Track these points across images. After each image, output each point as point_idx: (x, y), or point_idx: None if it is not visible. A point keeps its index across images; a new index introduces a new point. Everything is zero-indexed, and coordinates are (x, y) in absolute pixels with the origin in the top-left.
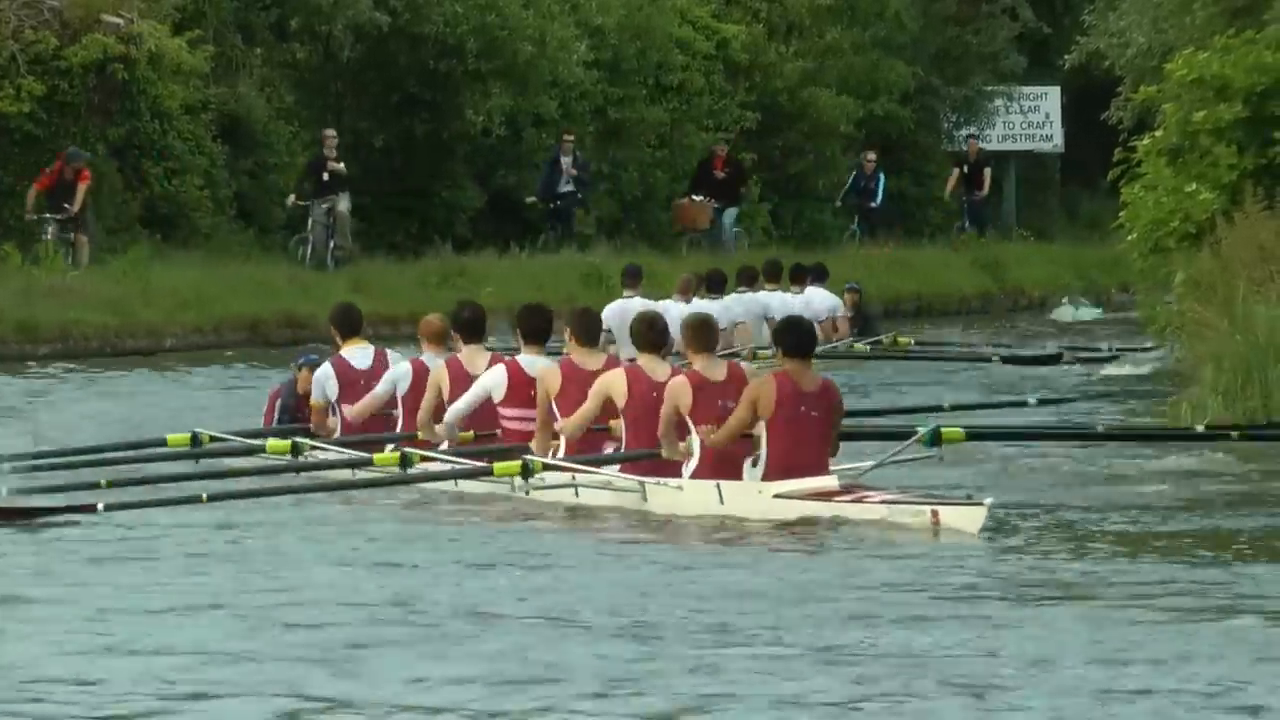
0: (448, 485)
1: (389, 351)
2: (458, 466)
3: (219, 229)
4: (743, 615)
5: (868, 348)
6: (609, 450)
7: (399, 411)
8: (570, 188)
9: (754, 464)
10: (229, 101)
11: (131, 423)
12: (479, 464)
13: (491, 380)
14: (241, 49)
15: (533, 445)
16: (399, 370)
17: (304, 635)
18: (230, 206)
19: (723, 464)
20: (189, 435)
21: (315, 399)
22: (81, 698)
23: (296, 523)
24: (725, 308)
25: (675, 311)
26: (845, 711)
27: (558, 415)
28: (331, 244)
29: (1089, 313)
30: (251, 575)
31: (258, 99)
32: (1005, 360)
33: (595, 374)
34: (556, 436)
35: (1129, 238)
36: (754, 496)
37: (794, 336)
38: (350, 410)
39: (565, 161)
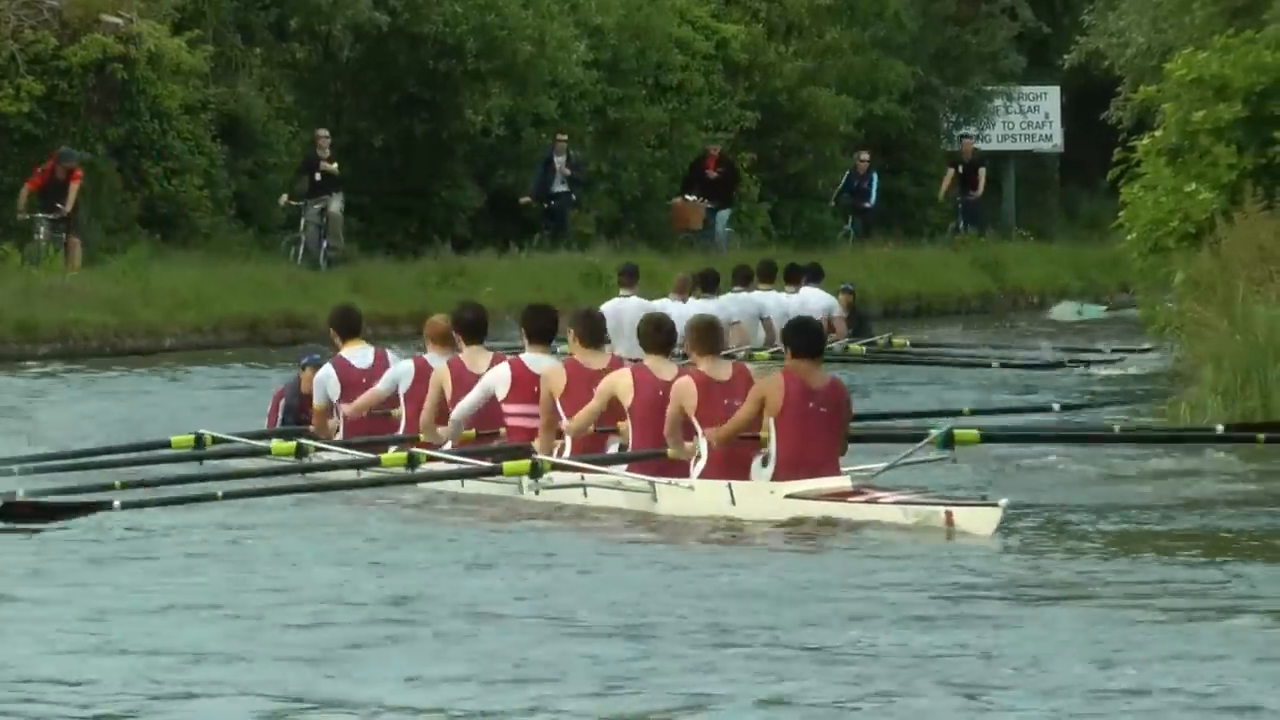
0: (454, 485)
1: (389, 352)
2: (466, 466)
3: (218, 229)
4: (743, 615)
5: (864, 349)
6: (612, 450)
7: (401, 410)
8: (564, 188)
9: (764, 463)
10: (228, 101)
11: (131, 423)
12: (488, 464)
13: (495, 378)
14: (241, 49)
15: (536, 445)
16: (401, 367)
17: (303, 635)
18: (230, 206)
19: (731, 464)
20: (193, 436)
21: (317, 401)
22: (71, 698)
23: (298, 524)
24: (720, 307)
25: (671, 310)
26: (845, 712)
27: (562, 415)
28: (324, 244)
29: (1093, 311)
30: (251, 575)
31: (257, 99)
32: (1004, 365)
33: (600, 373)
34: (560, 436)
35: (1128, 237)
36: (766, 497)
37: (803, 337)
38: (348, 406)
39: (559, 161)
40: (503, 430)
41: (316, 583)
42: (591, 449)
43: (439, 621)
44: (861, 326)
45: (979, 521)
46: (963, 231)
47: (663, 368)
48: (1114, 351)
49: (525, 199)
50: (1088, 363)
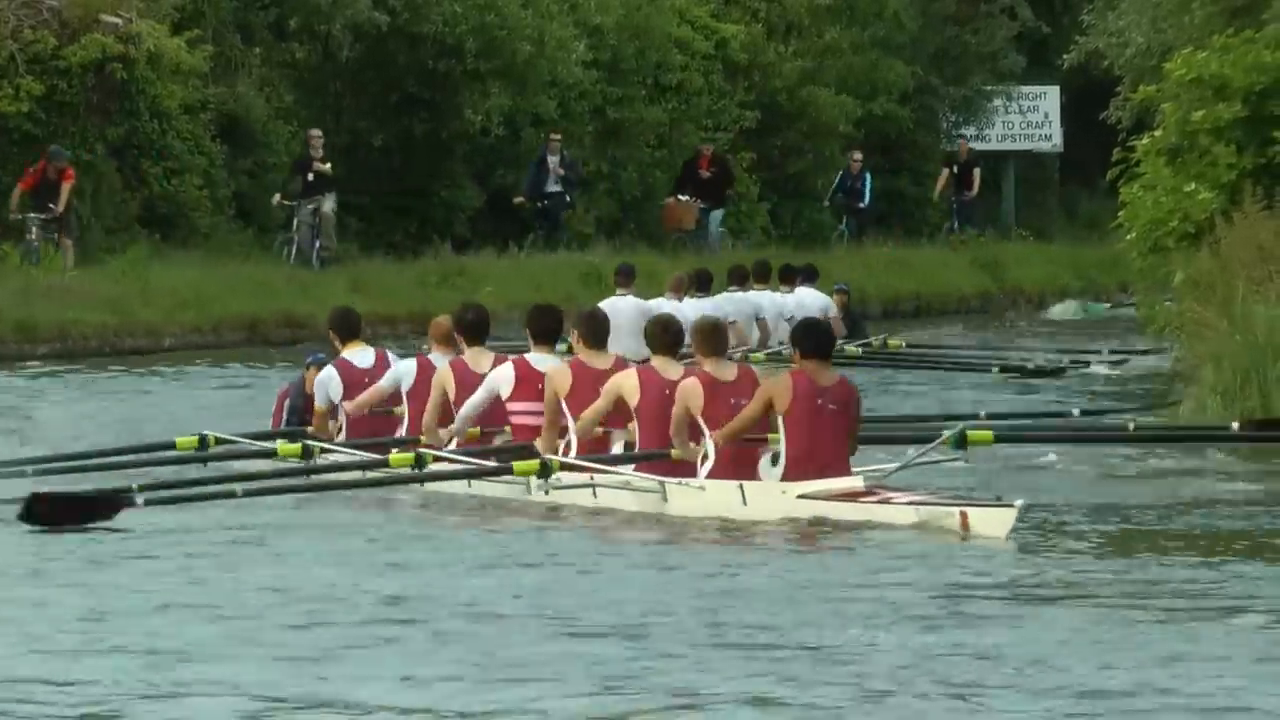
0: (462, 486)
1: (389, 353)
2: (475, 466)
3: (218, 229)
4: (743, 615)
5: (859, 350)
6: (617, 448)
7: (404, 409)
8: (557, 187)
9: (773, 462)
10: (228, 101)
11: (132, 423)
12: (497, 464)
13: (500, 377)
14: (240, 49)
15: (538, 444)
16: (404, 366)
17: (300, 635)
18: (229, 206)
19: (739, 464)
20: (197, 438)
21: (319, 403)
22: (62, 697)
23: (299, 524)
24: (716, 306)
25: (667, 309)
26: (845, 712)
27: (568, 415)
28: (317, 244)
29: (1096, 309)
30: (251, 576)
31: (256, 98)
32: (1004, 370)
33: (605, 373)
34: (563, 435)
35: (1128, 237)
36: (778, 497)
37: (812, 338)
38: (350, 404)
39: (552, 161)
40: (507, 428)
41: (316, 582)
42: (596, 449)
43: (438, 621)
44: (856, 327)
45: (994, 523)
46: (957, 232)
47: (669, 368)
48: (1112, 353)
49: (518, 199)
50: (1087, 363)
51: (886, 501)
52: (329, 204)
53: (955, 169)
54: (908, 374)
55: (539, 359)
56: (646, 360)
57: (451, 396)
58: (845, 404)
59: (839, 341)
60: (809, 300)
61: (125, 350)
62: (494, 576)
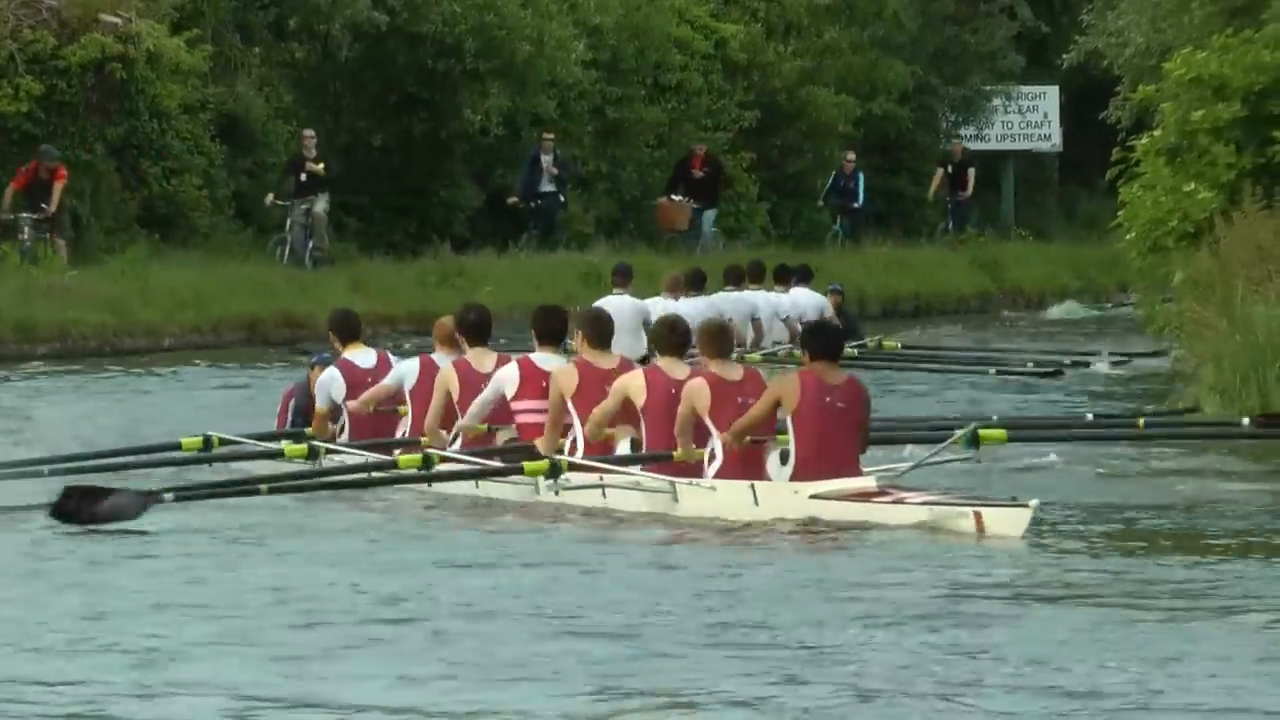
0: (469, 486)
1: (389, 354)
2: (483, 466)
3: (217, 228)
4: (745, 616)
5: (854, 351)
6: (623, 445)
7: (406, 408)
8: (551, 187)
9: (783, 460)
10: (227, 101)
11: (132, 424)
12: (507, 464)
13: (505, 377)
14: (240, 48)
15: (539, 444)
16: (407, 365)
17: (298, 635)
18: (229, 206)
19: (748, 464)
20: (201, 439)
21: (320, 405)
22: (53, 697)
23: (300, 525)
24: (712, 305)
25: (664, 309)
26: (845, 712)
27: (574, 415)
28: (309, 244)
29: (1098, 307)
30: (250, 576)
31: (256, 98)
32: (1001, 373)
33: (610, 373)
34: (565, 435)
35: (1127, 237)
36: (790, 497)
37: (822, 340)
38: (354, 403)
39: (545, 160)
40: (513, 426)
41: (316, 582)
42: (600, 449)
43: (438, 621)
44: (850, 328)
45: (1009, 522)
46: (951, 232)
47: (676, 368)
48: (1111, 354)
49: (512, 199)
50: (1087, 364)
51: (900, 502)
52: (321, 204)
53: (949, 169)
54: (902, 375)
55: (544, 358)
56: (643, 359)
57: (456, 397)
58: (854, 402)
59: None
60: (804, 300)
61: (125, 350)
62: (495, 576)
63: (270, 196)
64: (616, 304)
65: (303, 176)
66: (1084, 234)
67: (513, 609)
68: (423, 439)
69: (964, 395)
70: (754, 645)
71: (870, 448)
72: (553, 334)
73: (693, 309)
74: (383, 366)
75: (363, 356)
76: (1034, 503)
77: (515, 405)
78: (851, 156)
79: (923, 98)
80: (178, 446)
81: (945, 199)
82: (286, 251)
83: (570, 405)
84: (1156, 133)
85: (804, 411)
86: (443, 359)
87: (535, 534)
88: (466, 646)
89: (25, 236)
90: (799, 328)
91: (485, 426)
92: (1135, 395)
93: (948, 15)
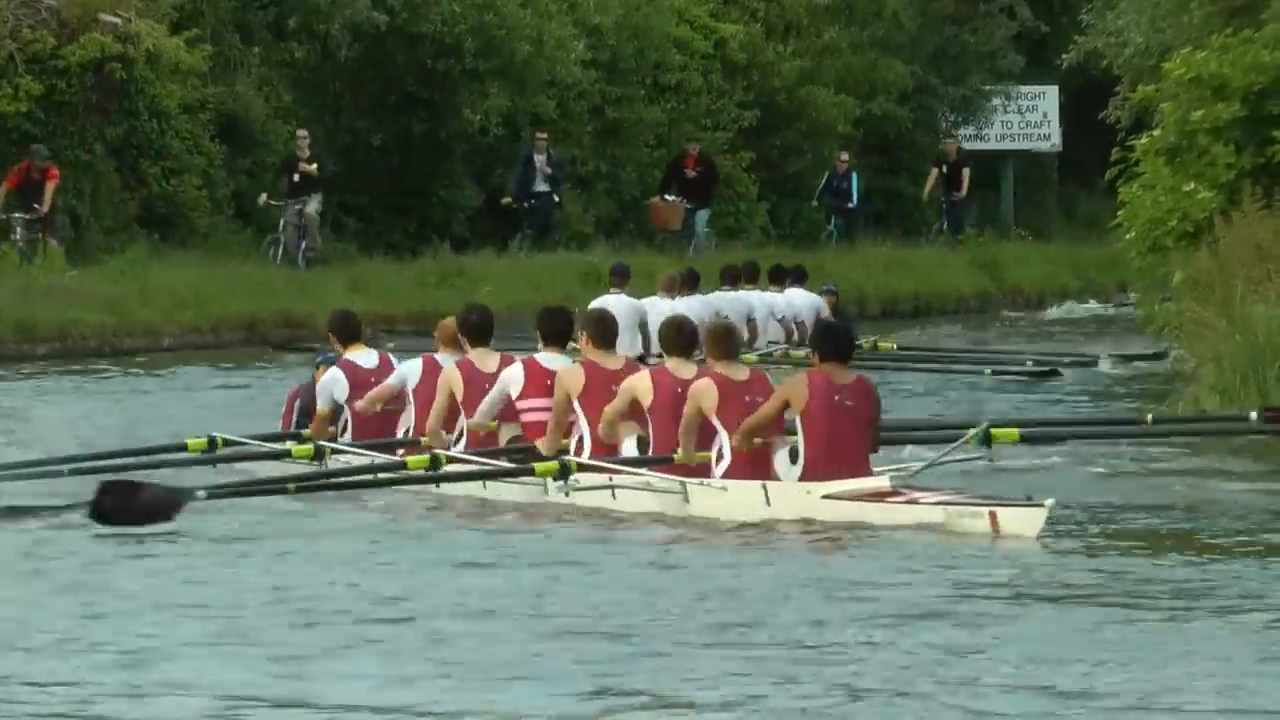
0: (476, 487)
1: (390, 355)
2: (493, 467)
3: (217, 228)
4: (745, 615)
5: None
6: (629, 445)
7: (409, 408)
8: (545, 187)
9: (792, 459)
10: (227, 101)
11: (131, 423)
12: (516, 465)
13: (510, 376)
14: (239, 48)
15: (540, 444)
16: (410, 364)
17: (296, 635)
18: (228, 206)
19: (756, 464)
20: (206, 439)
21: (322, 406)
22: (45, 697)
23: (301, 526)
24: (708, 305)
25: (661, 308)
26: (845, 712)
27: (581, 415)
28: (303, 245)
29: (1098, 306)
30: (250, 576)
31: (255, 98)
32: (996, 373)
33: (616, 373)
34: (568, 435)
35: (1127, 237)
36: (802, 497)
37: (832, 341)
38: (360, 402)
39: (539, 160)
40: (518, 424)
41: (315, 582)
42: (608, 449)
43: (437, 621)
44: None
45: (1024, 522)
46: (945, 232)
47: (683, 369)
48: (1110, 356)
49: (506, 199)
50: (1085, 365)
51: (913, 502)
52: (314, 205)
53: (944, 169)
54: (898, 376)
55: (549, 358)
56: (640, 358)
57: (459, 397)
58: (863, 399)
59: None
60: (799, 300)
61: (124, 350)
62: (496, 576)
63: (264, 196)
64: (613, 304)
65: (296, 177)
66: (1083, 234)
67: (513, 609)
68: (423, 439)
69: (961, 396)
70: (755, 645)
71: (884, 448)
72: (558, 335)
73: (689, 309)
74: (385, 367)
75: (364, 357)
76: (1049, 502)
77: (521, 404)
78: (845, 157)
79: (922, 98)
80: (183, 448)
81: (940, 199)
82: (280, 251)
83: (577, 406)
84: (1156, 133)
85: (813, 411)
86: (445, 359)
87: (538, 534)
88: (466, 646)
89: (18, 237)
90: (794, 328)
91: (494, 423)
92: (1135, 395)
93: (947, 15)
